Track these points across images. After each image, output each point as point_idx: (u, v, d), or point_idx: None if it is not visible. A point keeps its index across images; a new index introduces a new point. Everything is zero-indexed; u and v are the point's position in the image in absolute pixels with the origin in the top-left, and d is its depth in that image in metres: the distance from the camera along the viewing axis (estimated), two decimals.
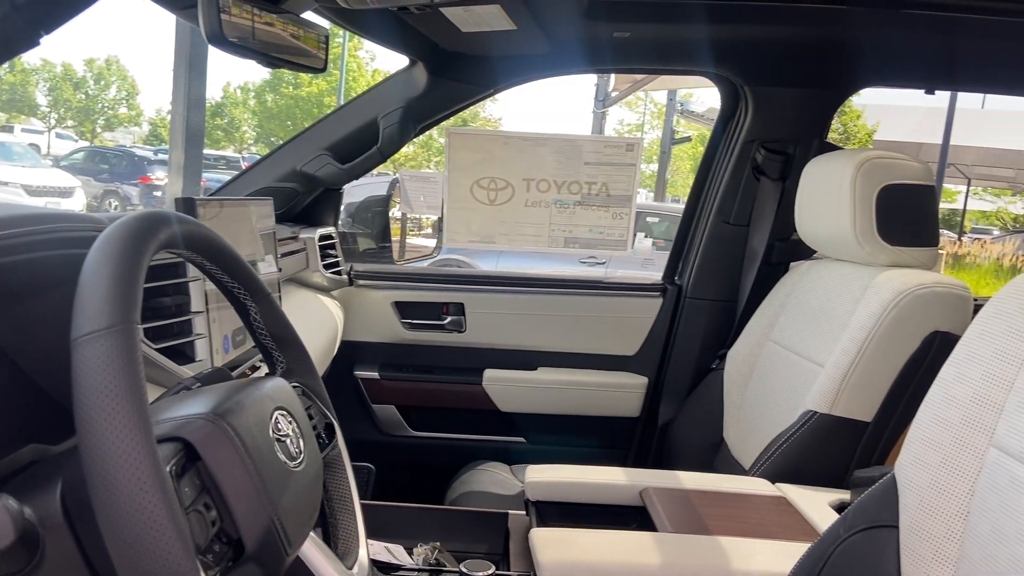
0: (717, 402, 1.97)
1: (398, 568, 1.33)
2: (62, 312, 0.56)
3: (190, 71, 4.17)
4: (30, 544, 0.54)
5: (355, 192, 3.27)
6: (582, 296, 2.29)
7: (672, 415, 2.20)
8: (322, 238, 2.06)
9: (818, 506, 1.38)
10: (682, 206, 2.56)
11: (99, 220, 0.83)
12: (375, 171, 2.38)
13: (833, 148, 1.98)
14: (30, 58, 24.57)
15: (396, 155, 2.24)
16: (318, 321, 1.91)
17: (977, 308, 0.91)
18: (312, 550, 0.81)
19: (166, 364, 1.04)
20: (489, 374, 2.24)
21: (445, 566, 1.35)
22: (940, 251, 2.10)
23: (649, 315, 2.27)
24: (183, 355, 1.12)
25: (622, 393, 2.27)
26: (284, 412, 0.74)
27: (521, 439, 2.31)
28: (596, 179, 2.18)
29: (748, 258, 2.17)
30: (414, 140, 2.26)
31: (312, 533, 0.80)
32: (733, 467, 1.81)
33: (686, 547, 1.23)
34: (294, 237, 1.97)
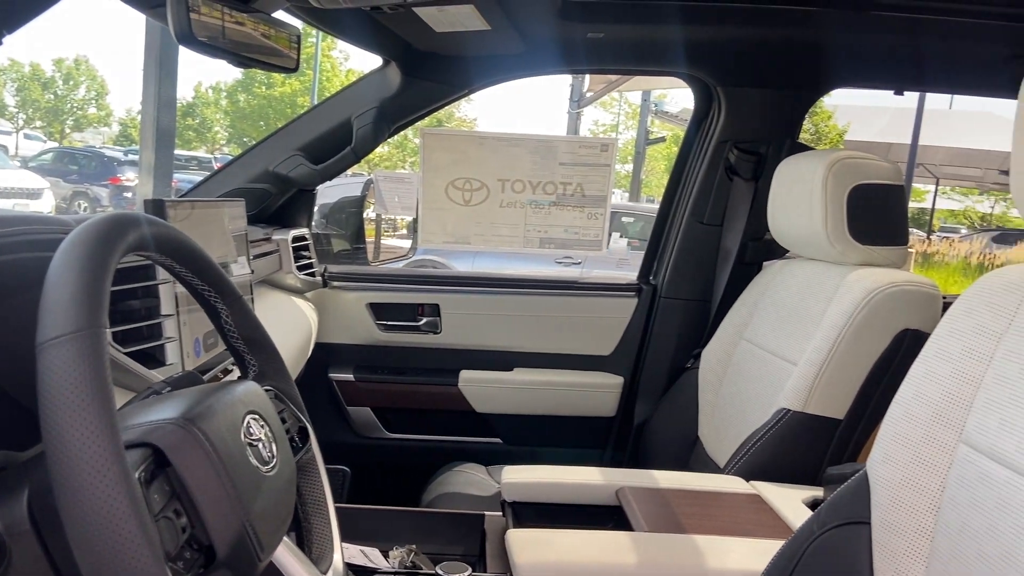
0: (692, 401, 1.99)
1: (373, 571, 1.32)
2: (29, 316, 0.55)
3: (160, 71, 4.13)
4: None
5: (329, 193, 3.24)
6: (558, 296, 2.29)
7: (647, 414, 2.21)
8: (295, 239, 2.04)
9: (792, 503, 1.40)
10: (657, 206, 2.57)
11: (66, 222, 0.82)
12: (349, 171, 2.37)
13: (805, 148, 2.00)
14: None
15: (370, 155, 2.23)
16: (292, 323, 1.89)
17: (946, 306, 0.92)
18: (285, 555, 0.80)
19: (135, 368, 1.03)
20: (465, 375, 2.24)
21: (421, 568, 1.34)
22: (910, 250, 2.13)
23: (624, 315, 2.28)
24: (153, 359, 1.10)
25: (598, 393, 2.27)
26: (256, 416, 0.73)
27: (497, 440, 2.30)
28: (571, 179, 2.18)
29: (722, 258, 2.19)
30: (389, 140, 2.25)
31: (286, 538, 0.79)
32: (708, 465, 1.82)
33: (662, 546, 1.24)
34: (267, 239, 1.95)
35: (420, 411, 2.28)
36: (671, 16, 1.77)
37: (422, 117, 2.16)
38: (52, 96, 24.87)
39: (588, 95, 11.48)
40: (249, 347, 0.85)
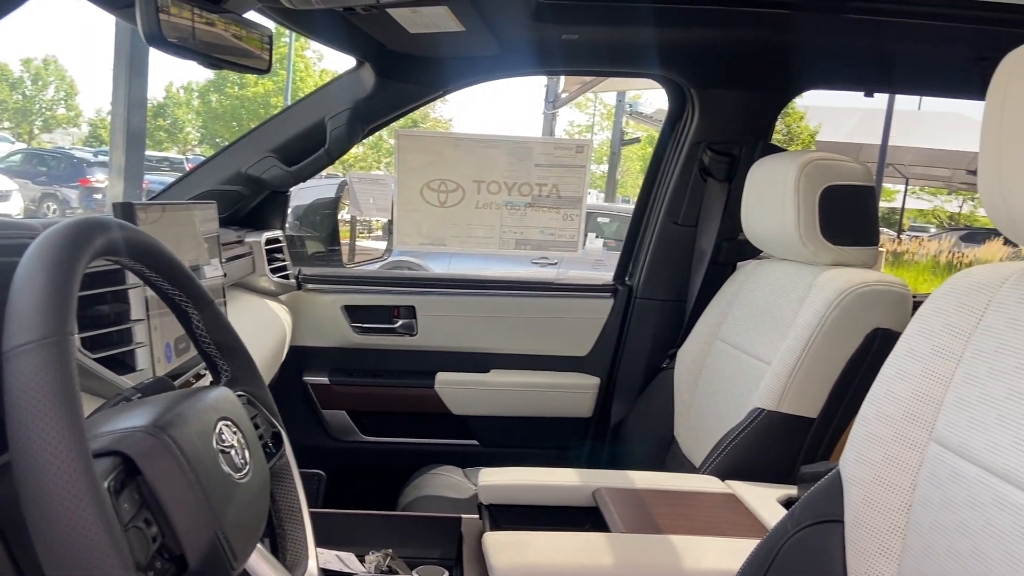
0: (668, 401, 2.00)
1: None
2: None
3: (130, 71, 4.08)
4: None
5: (303, 195, 3.22)
6: (534, 298, 2.29)
7: (624, 415, 2.22)
8: (269, 242, 2.02)
9: (766, 502, 1.41)
10: (632, 207, 2.58)
11: (33, 227, 0.80)
12: (324, 173, 2.35)
13: (777, 149, 2.02)
14: None
15: (345, 157, 2.22)
16: (265, 327, 1.88)
17: (916, 305, 0.93)
18: (259, 563, 0.79)
19: (105, 374, 1.01)
20: (441, 377, 2.23)
21: (398, 573, 1.33)
22: (881, 249, 2.16)
23: (600, 316, 2.29)
24: (123, 364, 1.09)
25: (574, 394, 2.28)
26: (228, 422, 0.72)
27: (474, 442, 2.30)
28: (546, 181, 2.18)
29: (696, 258, 2.20)
30: (363, 141, 2.24)
31: (260, 545, 0.78)
32: (684, 465, 1.83)
33: (638, 547, 1.24)
34: (240, 241, 1.93)
35: (396, 414, 2.27)
36: (645, 18, 1.78)
37: (397, 118, 2.15)
38: (20, 97, 24.50)
39: (563, 96, 11.51)
40: (221, 352, 0.84)
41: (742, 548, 1.02)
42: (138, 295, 1.13)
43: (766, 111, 2.13)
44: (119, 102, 4.20)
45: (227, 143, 2.10)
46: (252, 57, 1.30)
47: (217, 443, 0.69)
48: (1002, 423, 0.70)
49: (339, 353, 2.24)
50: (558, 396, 2.27)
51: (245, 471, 0.71)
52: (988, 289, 0.77)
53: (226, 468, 0.68)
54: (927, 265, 14.45)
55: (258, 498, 0.74)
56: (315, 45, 21.15)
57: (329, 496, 2.13)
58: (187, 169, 2.82)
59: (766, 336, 1.70)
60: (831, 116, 15.05)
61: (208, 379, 0.93)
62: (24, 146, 20.53)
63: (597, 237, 7.08)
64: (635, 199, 2.38)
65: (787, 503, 1.41)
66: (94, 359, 1.00)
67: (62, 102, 25.60)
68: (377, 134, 2.21)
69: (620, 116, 13.39)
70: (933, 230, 22.90)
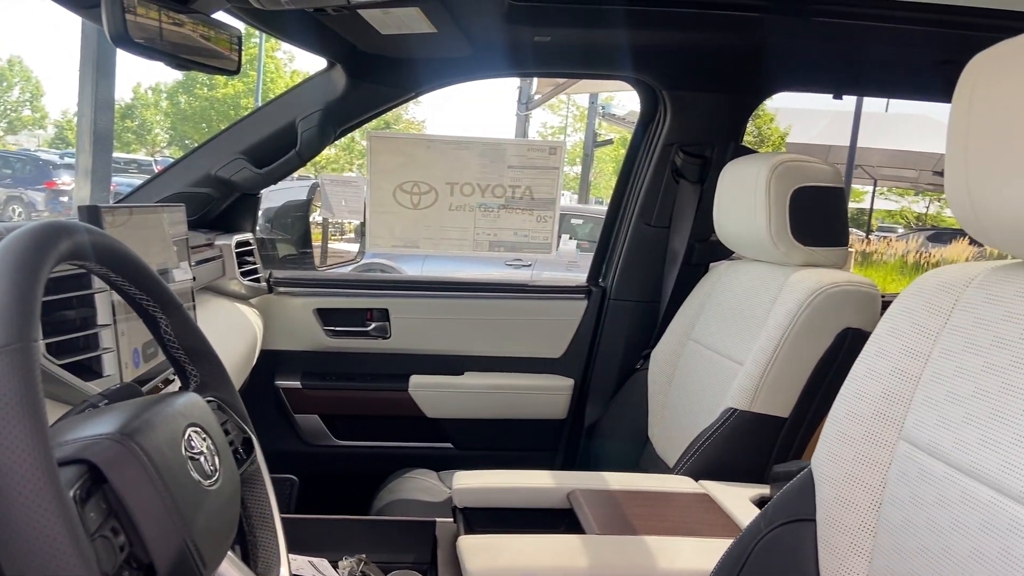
0: (642, 402, 2.00)
1: None
2: None
3: (97, 72, 4.01)
4: None
5: (274, 197, 3.19)
6: (508, 299, 2.29)
7: (598, 416, 2.22)
8: (239, 244, 2.00)
9: (740, 502, 1.42)
10: (605, 208, 2.59)
11: None
12: (295, 175, 2.33)
13: (748, 151, 2.04)
14: None
15: (317, 159, 2.20)
16: (236, 330, 1.85)
17: (885, 305, 0.94)
18: (230, 570, 0.78)
19: (71, 380, 0.99)
20: (415, 380, 2.22)
21: None
22: (850, 249, 2.18)
23: (574, 317, 2.29)
24: (90, 370, 1.07)
25: (549, 395, 2.28)
26: (198, 429, 0.71)
27: (449, 445, 2.29)
28: (520, 182, 2.18)
29: (669, 259, 2.21)
30: (335, 143, 2.22)
31: (230, 552, 0.77)
32: (658, 465, 1.84)
33: (613, 548, 1.24)
34: (209, 244, 1.91)
35: (370, 417, 2.26)
36: (616, 20, 1.78)
37: (369, 120, 2.14)
38: None
39: (536, 98, 11.52)
40: (190, 357, 0.83)
41: (716, 548, 1.03)
42: (104, 300, 1.11)
43: (737, 113, 2.14)
44: (86, 103, 4.12)
45: (196, 145, 2.08)
46: (221, 58, 1.29)
47: (186, 450, 0.68)
48: (969, 421, 0.71)
49: (311, 357, 2.22)
50: (532, 398, 2.27)
51: (215, 478, 0.70)
52: (955, 289, 0.78)
53: (195, 475, 0.67)
54: (895, 265, 14.66)
55: (228, 505, 0.73)
56: (285, 46, 21.04)
57: (302, 501, 2.11)
58: (155, 171, 2.78)
59: (738, 336, 1.71)
60: (801, 118, 15.22)
61: (177, 385, 0.92)
62: None
63: (571, 239, 7.09)
64: (608, 201, 2.39)
65: (760, 502, 1.42)
66: (60, 365, 0.98)
67: (27, 103, 25.17)
68: (349, 136, 2.20)
69: (593, 118, 13.45)
70: (901, 230, 23.23)
